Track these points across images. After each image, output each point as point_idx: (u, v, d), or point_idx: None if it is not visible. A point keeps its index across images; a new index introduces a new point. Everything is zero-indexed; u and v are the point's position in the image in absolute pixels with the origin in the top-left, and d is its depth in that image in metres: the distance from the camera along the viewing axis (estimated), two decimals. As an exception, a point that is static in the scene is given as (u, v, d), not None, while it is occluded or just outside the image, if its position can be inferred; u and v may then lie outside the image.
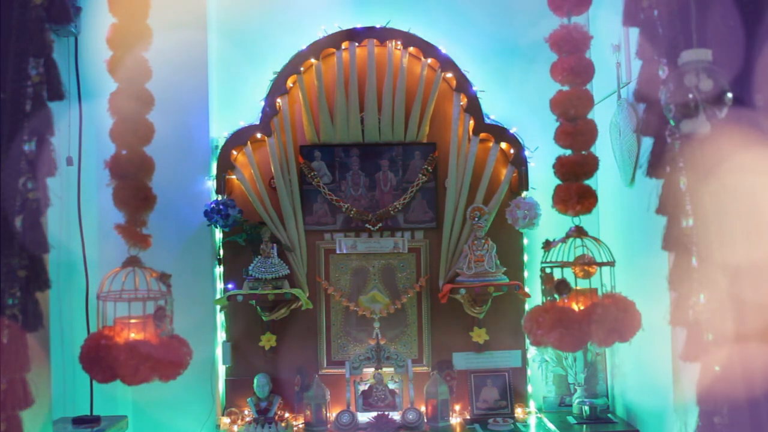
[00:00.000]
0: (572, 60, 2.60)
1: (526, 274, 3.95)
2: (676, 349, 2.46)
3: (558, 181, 2.71)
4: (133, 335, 2.30)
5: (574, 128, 2.61)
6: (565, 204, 2.62)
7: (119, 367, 2.22)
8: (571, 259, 2.61)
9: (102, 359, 2.23)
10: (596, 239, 2.67)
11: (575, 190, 2.62)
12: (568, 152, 2.70)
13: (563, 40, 2.60)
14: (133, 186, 2.37)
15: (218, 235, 3.88)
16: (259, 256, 3.73)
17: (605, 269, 2.63)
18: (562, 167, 2.66)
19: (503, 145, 3.94)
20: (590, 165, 2.66)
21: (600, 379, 3.90)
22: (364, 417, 3.64)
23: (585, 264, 2.55)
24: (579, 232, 2.65)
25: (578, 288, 2.58)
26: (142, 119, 2.40)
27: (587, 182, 2.66)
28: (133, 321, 2.33)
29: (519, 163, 3.90)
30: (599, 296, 2.56)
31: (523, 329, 2.58)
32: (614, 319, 2.45)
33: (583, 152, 2.66)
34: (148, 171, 2.42)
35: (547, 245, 2.67)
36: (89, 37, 3.44)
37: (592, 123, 2.66)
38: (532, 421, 3.77)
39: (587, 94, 2.64)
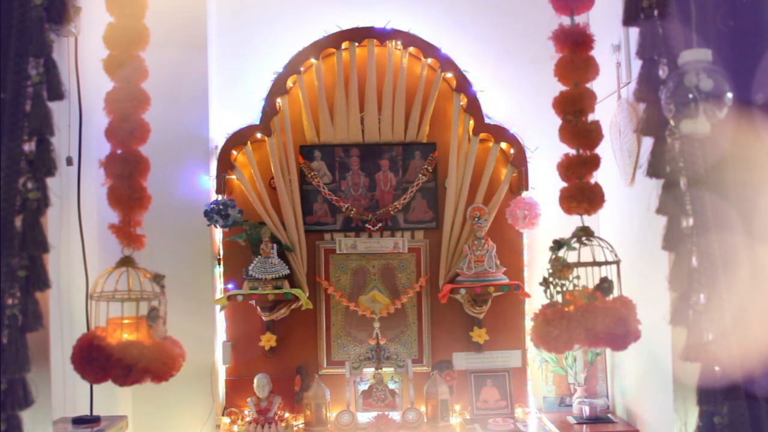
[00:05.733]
0: (578, 57, 2.59)
1: (526, 274, 3.95)
2: (676, 349, 2.46)
3: (559, 180, 2.70)
4: (125, 336, 2.29)
5: (582, 127, 2.61)
6: (589, 203, 2.62)
7: (111, 368, 2.21)
8: (578, 260, 2.60)
9: (94, 360, 2.22)
10: (600, 238, 2.67)
11: (597, 189, 2.62)
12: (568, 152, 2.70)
13: (569, 37, 2.59)
14: (128, 186, 2.36)
15: (218, 235, 3.88)
16: (259, 256, 3.72)
17: (604, 269, 2.62)
18: (582, 165, 2.63)
19: (503, 145, 3.94)
20: (595, 164, 2.66)
21: (600, 379, 3.90)
22: (364, 417, 3.64)
23: (564, 266, 2.54)
24: (586, 231, 2.64)
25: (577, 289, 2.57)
26: (137, 119, 2.40)
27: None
28: (125, 322, 2.32)
29: (519, 163, 3.90)
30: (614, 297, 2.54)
31: (549, 334, 2.48)
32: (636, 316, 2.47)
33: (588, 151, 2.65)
34: (143, 171, 2.41)
35: (557, 246, 2.65)
36: (89, 37, 3.44)
37: (598, 122, 2.66)
38: (532, 421, 3.77)
39: (591, 92, 2.64)
